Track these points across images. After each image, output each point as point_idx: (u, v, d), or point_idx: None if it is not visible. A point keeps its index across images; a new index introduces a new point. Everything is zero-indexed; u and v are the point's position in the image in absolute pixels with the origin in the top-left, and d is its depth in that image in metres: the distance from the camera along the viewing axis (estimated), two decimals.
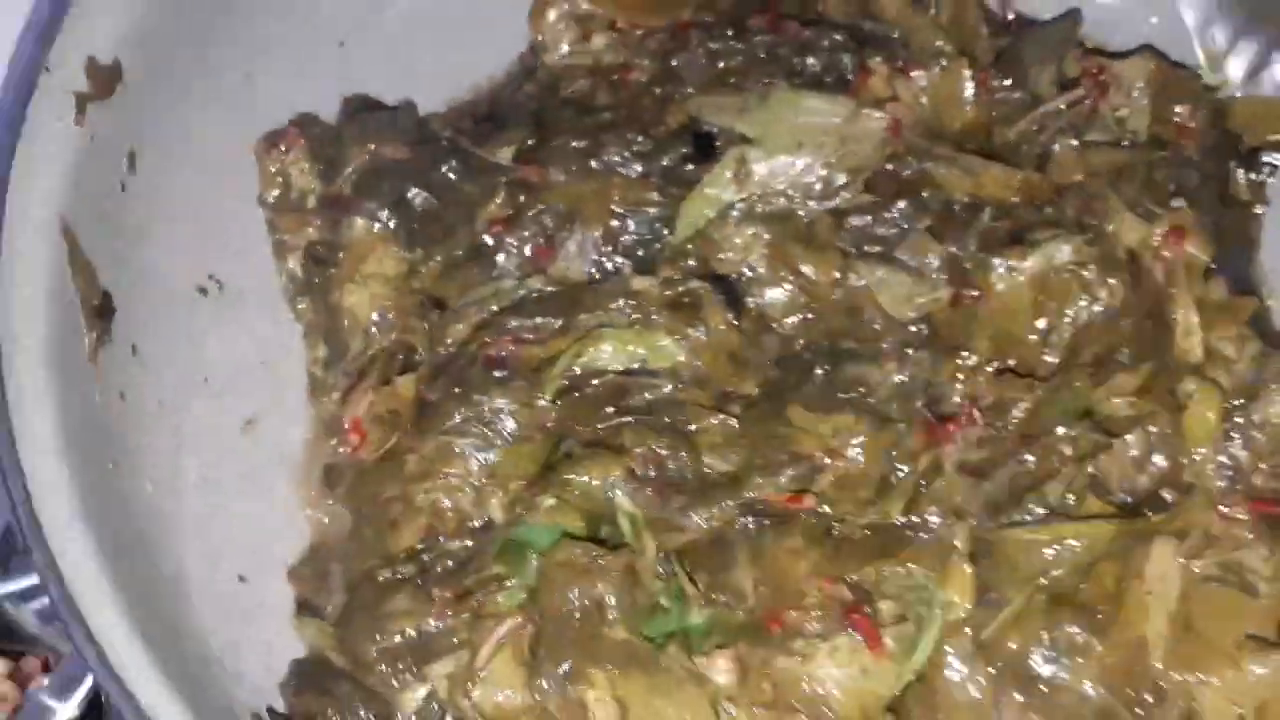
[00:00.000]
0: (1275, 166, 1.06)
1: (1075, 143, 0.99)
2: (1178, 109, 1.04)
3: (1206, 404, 0.87)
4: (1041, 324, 0.90)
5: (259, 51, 1.00)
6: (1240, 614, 0.85)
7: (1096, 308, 0.90)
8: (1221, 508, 0.86)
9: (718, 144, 0.98)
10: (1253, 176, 1.07)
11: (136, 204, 0.91)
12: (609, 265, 0.97)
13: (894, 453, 0.85)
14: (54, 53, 0.83)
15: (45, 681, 0.91)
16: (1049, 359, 0.90)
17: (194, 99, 0.95)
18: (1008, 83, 1.03)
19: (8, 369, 0.76)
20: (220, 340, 0.98)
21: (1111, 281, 0.90)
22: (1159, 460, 0.87)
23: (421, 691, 0.85)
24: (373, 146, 0.99)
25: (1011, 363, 0.89)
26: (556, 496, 0.86)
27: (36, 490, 0.73)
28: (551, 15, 1.07)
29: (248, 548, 0.93)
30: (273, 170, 1.01)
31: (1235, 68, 1.08)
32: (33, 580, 0.77)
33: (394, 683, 0.85)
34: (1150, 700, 0.83)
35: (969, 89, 1.00)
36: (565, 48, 1.08)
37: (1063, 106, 1.02)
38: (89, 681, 0.89)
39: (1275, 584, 0.85)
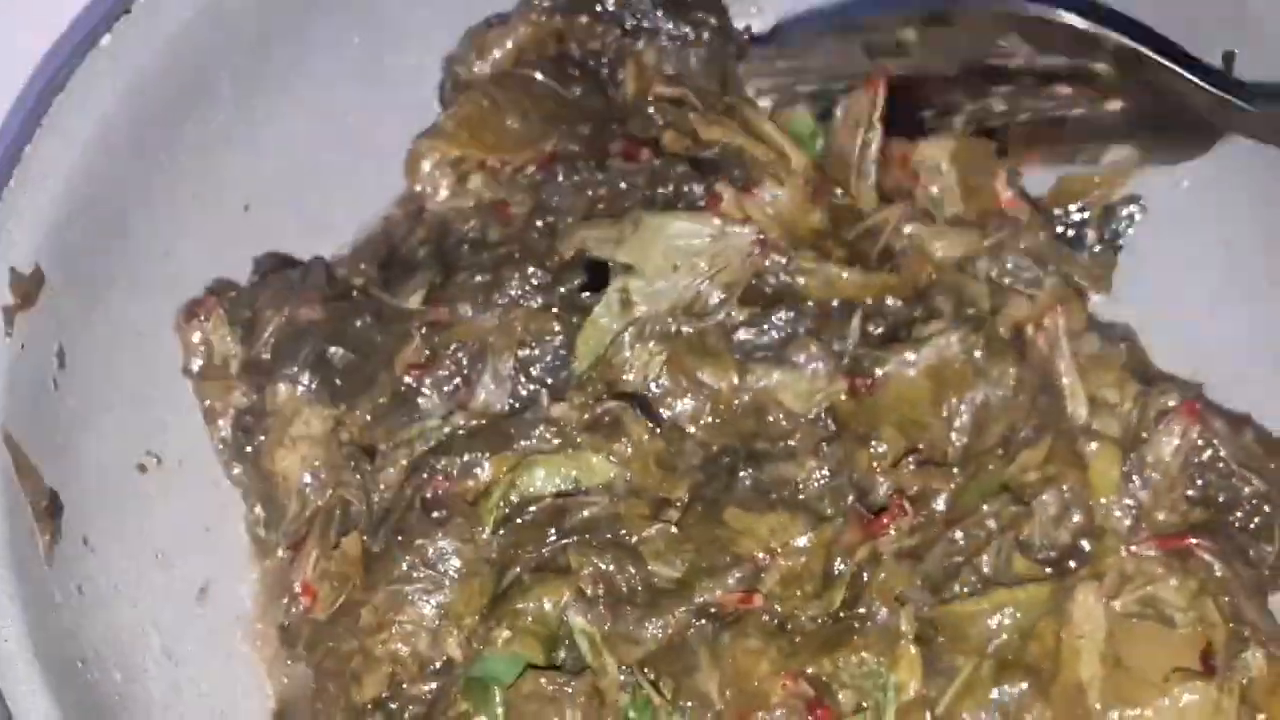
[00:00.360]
0: (1132, 217, 1.14)
1: (909, 230, 1.05)
2: (999, 186, 1.10)
3: (1107, 459, 0.96)
4: (944, 410, 0.97)
5: (175, 230, 1.03)
6: (1164, 645, 0.92)
7: (997, 391, 0.96)
8: (1132, 547, 0.93)
9: (611, 268, 1.02)
10: (1106, 234, 1.14)
11: (69, 398, 0.94)
12: (525, 393, 1.00)
13: (831, 548, 0.91)
14: None
15: None
16: (957, 441, 0.96)
17: (116, 286, 0.98)
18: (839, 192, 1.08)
19: None
20: (166, 513, 1.00)
21: (1003, 366, 0.96)
22: (1075, 516, 0.95)
23: None
24: (287, 310, 1.02)
25: (921, 446, 0.95)
26: (511, 627, 0.90)
27: (16, 708, 0.75)
28: (426, 165, 1.10)
29: (217, 714, 0.95)
30: (195, 340, 1.04)
31: None
32: None
33: None
34: None
35: (807, 197, 1.05)
36: (445, 192, 1.11)
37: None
38: None
39: (1190, 613, 0.92)
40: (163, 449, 1.02)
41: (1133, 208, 1.14)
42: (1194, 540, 0.94)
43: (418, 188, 1.10)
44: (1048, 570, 0.93)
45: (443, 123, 1.09)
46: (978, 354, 0.97)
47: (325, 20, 1.06)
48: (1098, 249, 1.13)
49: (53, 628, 0.82)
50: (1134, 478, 0.97)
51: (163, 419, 1.02)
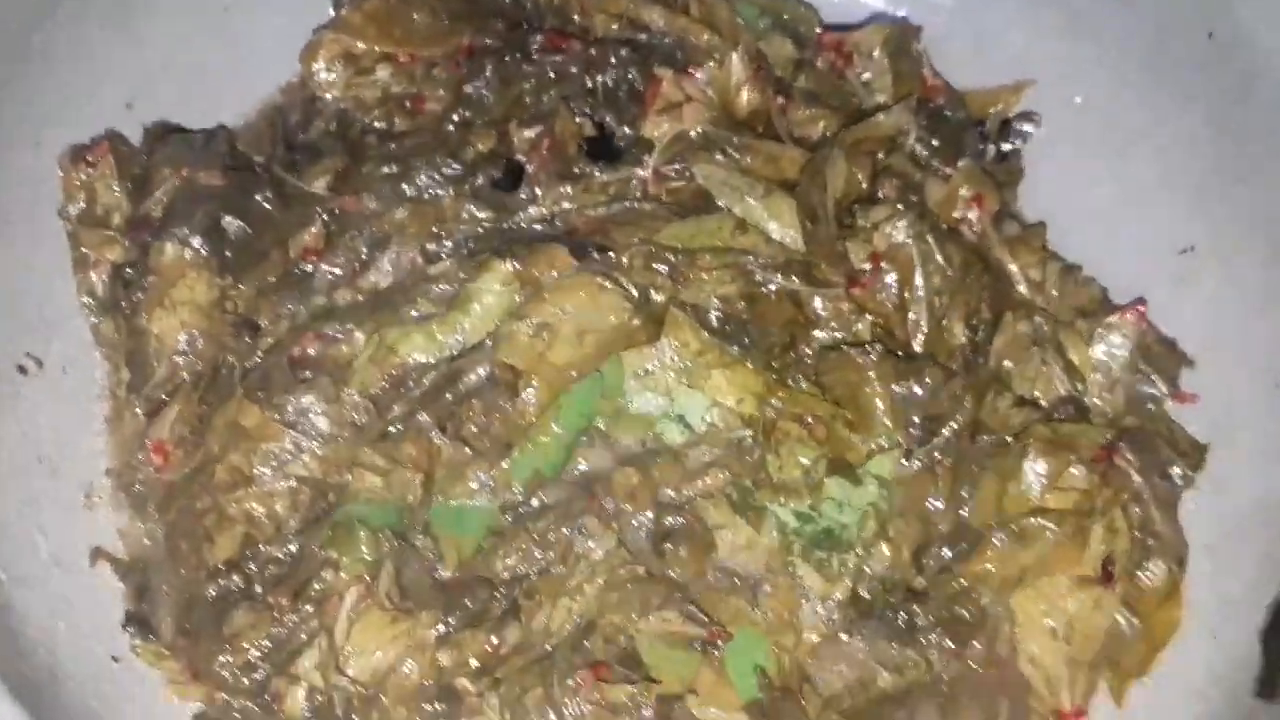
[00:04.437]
0: (1027, 134, 1.17)
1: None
2: (925, 70, 1.14)
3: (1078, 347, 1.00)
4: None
5: (45, 119, 0.97)
6: (1071, 548, 0.94)
7: (945, 274, 0.98)
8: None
9: (528, 170, 1.02)
10: (1004, 146, 1.18)
11: None
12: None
13: None
14: None
15: None
16: (916, 331, 0.98)
17: None
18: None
19: None
20: (50, 417, 0.95)
21: (946, 249, 0.98)
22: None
23: (300, 691, 0.86)
24: (185, 171, 0.98)
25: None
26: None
27: None
28: (324, 57, 1.08)
29: (112, 626, 0.90)
30: (77, 184, 0.99)
31: None
32: None
33: (266, 695, 0.86)
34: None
35: (743, 76, 1.06)
36: (340, 84, 1.09)
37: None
38: None
39: (1101, 519, 0.94)
40: (44, 352, 0.96)
41: (1028, 124, 1.16)
42: (1119, 454, 0.96)
43: (317, 78, 1.07)
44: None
45: (347, 15, 1.07)
46: (930, 240, 0.98)
47: None
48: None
49: None
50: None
51: (43, 319, 0.97)
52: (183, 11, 1.06)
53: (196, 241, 0.96)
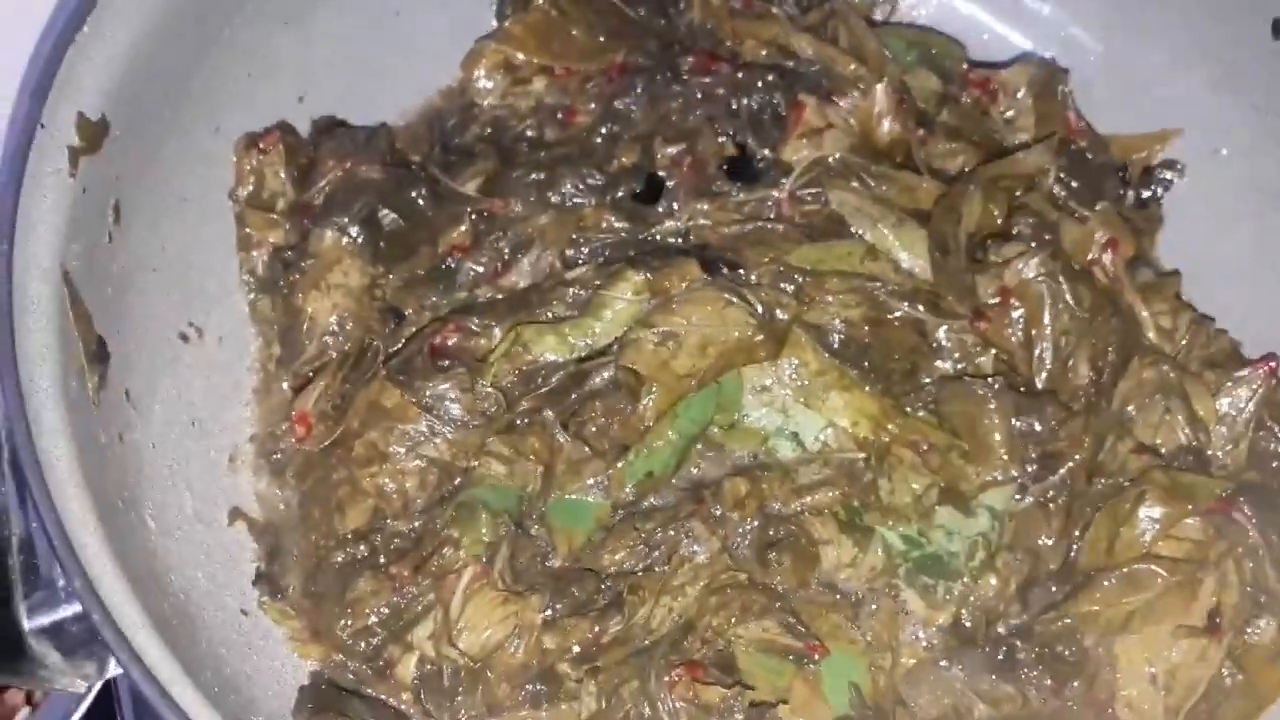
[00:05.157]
0: (1169, 182, 1.16)
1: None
2: (1070, 112, 1.15)
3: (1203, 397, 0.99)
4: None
5: (226, 106, 1.04)
6: (1178, 597, 0.93)
7: (1075, 315, 0.99)
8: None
9: (668, 185, 1.05)
10: (1144, 193, 1.17)
11: (120, 254, 0.94)
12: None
13: None
14: (48, 109, 0.86)
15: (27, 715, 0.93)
16: (1040, 369, 0.99)
17: (168, 152, 0.99)
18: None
19: (29, 408, 0.78)
20: (204, 384, 1.00)
21: (1078, 289, 0.99)
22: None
23: (412, 659, 0.90)
24: (349, 163, 1.04)
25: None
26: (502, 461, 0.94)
27: (68, 522, 0.76)
28: (485, 65, 1.13)
29: (244, 582, 0.96)
30: (248, 169, 1.05)
31: None
32: (56, 616, 0.78)
33: (380, 660, 0.91)
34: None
35: (886, 107, 1.08)
36: (498, 95, 1.14)
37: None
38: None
39: (1213, 572, 0.93)
40: (204, 322, 1.02)
41: (1170, 173, 1.16)
42: (1237, 508, 0.95)
43: (478, 84, 1.12)
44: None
45: (510, 27, 1.12)
46: (1062, 280, 0.98)
47: None
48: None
49: (95, 464, 0.82)
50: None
51: (206, 292, 1.03)
52: (355, 12, 1.12)
53: (354, 230, 1.02)
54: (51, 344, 0.82)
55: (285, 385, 1.03)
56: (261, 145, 1.05)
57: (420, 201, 1.04)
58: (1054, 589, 0.96)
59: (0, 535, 0.77)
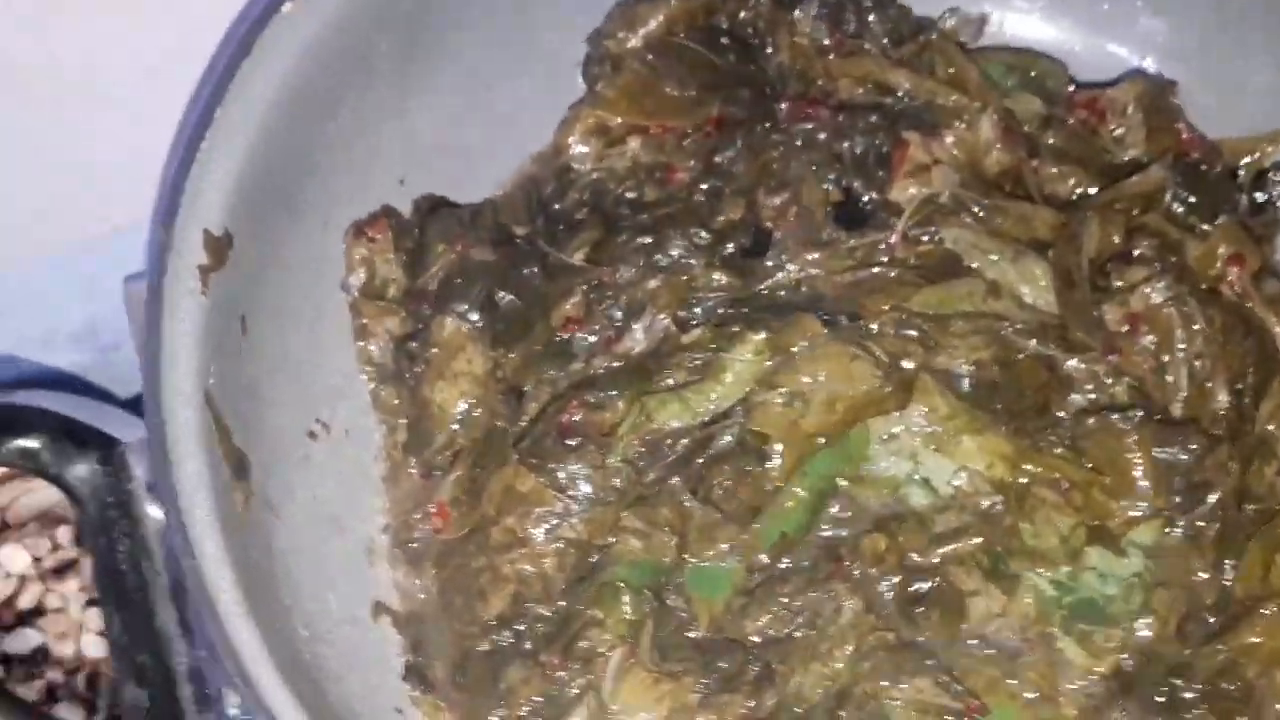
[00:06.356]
0: None
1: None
2: (1179, 124, 1.12)
3: None
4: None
5: (334, 201, 1.04)
6: None
7: (1208, 338, 0.96)
8: None
9: (775, 237, 1.04)
10: (1259, 197, 1.14)
11: (248, 364, 0.95)
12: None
13: None
14: (176, 232, 0.87)
15: None
16: (1176, 395, 0.96)
17: (284, 255, 1.00)
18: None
19: (193, 538, 0.79)
20: (336, 479, 1.01)
21: (1207, 311, 0.96)
22: None
23: None
24: (460, 247, 1.04)
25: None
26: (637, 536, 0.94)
27: (243, 653, 0.77)
28: (580, 130, 1.12)
29: (394, 679, 0.97)
30: (358, 258, 1.06)
31: None
32: None
33: None
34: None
35: (993, 137, 1.06)
36: (594, 159, 1.13)
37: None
38: None
39: None
40: (330, 417, 1.03)
41: None
42: None
43: (572, 151, 1.11)
44: None
45: (603, 91, 1.11)
46: (1191, 302, 0.96)
47: None
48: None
49: (255, 584, 0.83)
50: None
51: (330, 387, 1.04)
52: (450, 91, 1.11)
53: (474, 316, 1.02)
54: (203, 470, 0.83)
55: (412, 471, 1.03)
56: (370, 233, 1.05)
57: (533, 278, 1.04)
58: (1211, 621, 0.93)
59: (167, 666, 0.78)
